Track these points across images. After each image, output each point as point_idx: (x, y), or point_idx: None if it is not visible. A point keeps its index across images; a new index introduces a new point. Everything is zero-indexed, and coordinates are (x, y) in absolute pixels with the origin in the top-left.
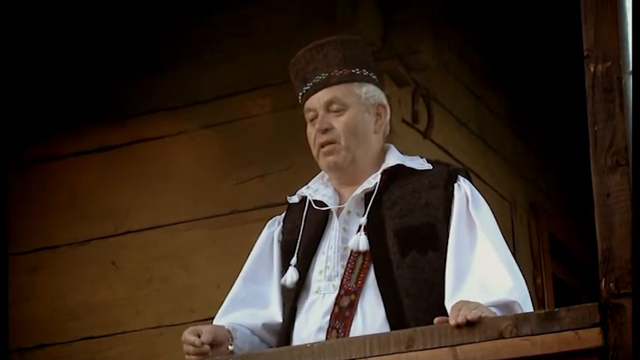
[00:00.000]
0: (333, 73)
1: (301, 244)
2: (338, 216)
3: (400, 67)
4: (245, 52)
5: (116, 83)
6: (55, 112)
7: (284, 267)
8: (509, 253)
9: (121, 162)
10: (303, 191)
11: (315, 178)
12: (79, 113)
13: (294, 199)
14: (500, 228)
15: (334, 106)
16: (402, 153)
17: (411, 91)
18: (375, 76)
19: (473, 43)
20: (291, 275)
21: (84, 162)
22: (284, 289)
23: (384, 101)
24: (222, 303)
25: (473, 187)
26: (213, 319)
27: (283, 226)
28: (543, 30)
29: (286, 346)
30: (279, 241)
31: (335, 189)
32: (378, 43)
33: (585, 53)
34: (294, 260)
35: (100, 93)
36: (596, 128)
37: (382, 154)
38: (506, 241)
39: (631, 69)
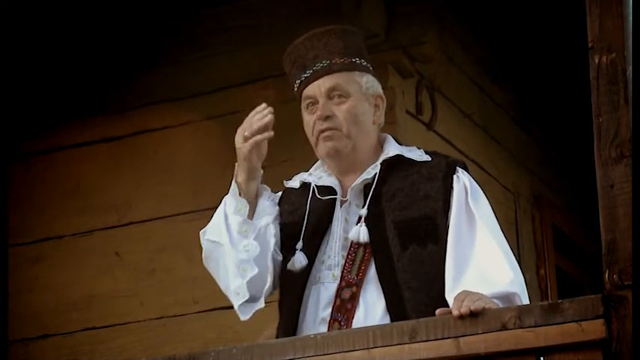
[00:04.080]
0: (334, 61)
1: (306, 229)
2: (341, 206)
3: (404, 59)
4: (248, 44)
5: (119, 75)
6: (57, 103)
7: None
8: (508, 244)
9: (124, 153)
10: (306, 177)
11: (315, 166)
12: (82, 104)
13: (294, 183)
14: (498, 219)
15: (336, 93)
16: (399, 143)
17: (415, 82)
18: (372, 68)
19: (477, 35)
20: (300, 260)
21: (87, 153)
22: (287, 275)
23: (381, 93)
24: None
25: (471, 179)
26: (215, 310)
27: (280, 207)
28: (547, 22)
29: (290, 337)
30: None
31: (337, 177)
32: (381, 35)
33: (590, 45)
34: (300, 244)
35: (103, 84)
36: (600, 120)
37: (379, 145)
38: (505, 233)
39: (632, 61)
